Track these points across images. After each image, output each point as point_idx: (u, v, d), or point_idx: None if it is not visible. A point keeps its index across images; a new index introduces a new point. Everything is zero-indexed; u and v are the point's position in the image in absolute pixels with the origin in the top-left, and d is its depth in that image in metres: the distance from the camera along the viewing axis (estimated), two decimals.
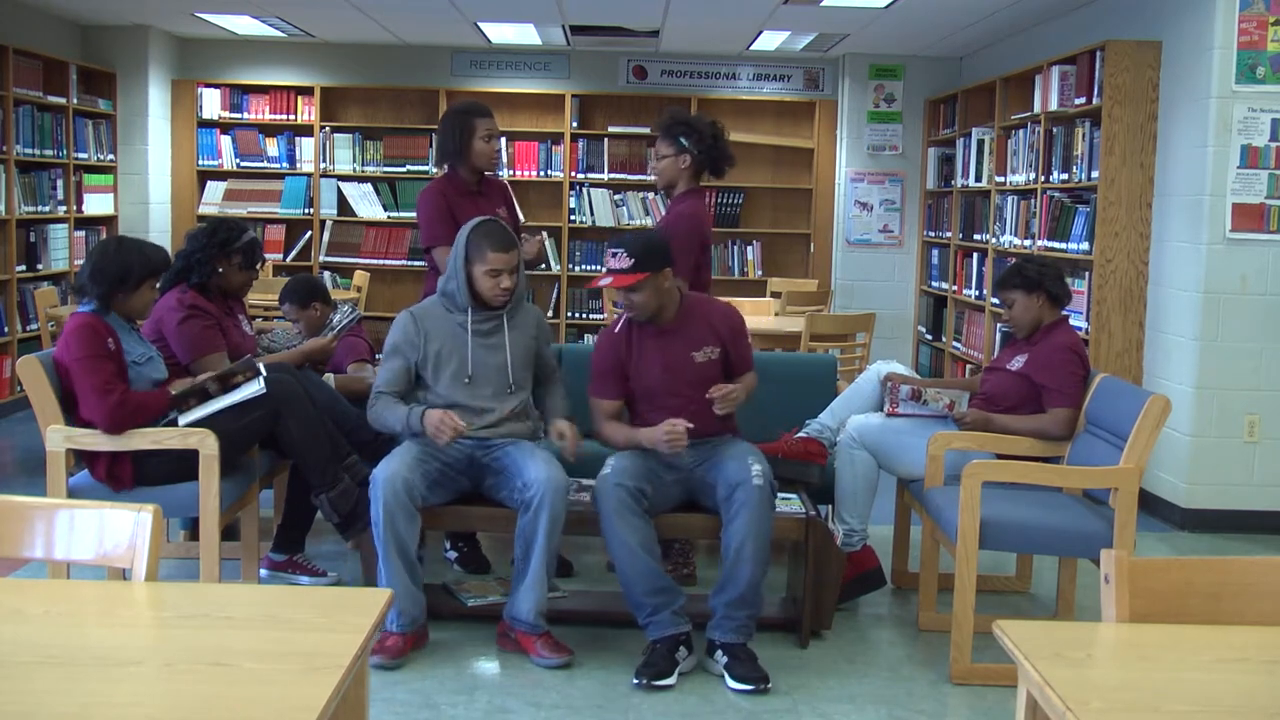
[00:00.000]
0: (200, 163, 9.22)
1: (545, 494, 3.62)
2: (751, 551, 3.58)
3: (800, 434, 4.36)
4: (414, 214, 6.25)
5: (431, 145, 8.74)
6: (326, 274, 8.86)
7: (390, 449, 3.82)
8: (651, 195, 9.08)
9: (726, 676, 3.58)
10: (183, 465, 3.78)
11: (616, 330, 3.91)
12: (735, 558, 3.60)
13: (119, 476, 3.78)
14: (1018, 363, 4.24)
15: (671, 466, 3.79)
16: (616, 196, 9.24)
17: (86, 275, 3.80)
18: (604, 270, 3.75)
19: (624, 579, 3.65)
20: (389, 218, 9.23)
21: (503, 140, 8.94)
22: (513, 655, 3.75)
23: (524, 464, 3.74)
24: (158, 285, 4.05)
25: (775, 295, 8.23)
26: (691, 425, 3.65)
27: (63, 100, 7.96)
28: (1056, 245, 6.27)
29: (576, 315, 9.31)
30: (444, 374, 3.85)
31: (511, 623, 3.75)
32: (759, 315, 7.03)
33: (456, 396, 3.84)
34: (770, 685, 3.54)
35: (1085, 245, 5.96)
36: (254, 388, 3.92)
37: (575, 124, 9.16)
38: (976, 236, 7.76)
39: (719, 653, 3.63)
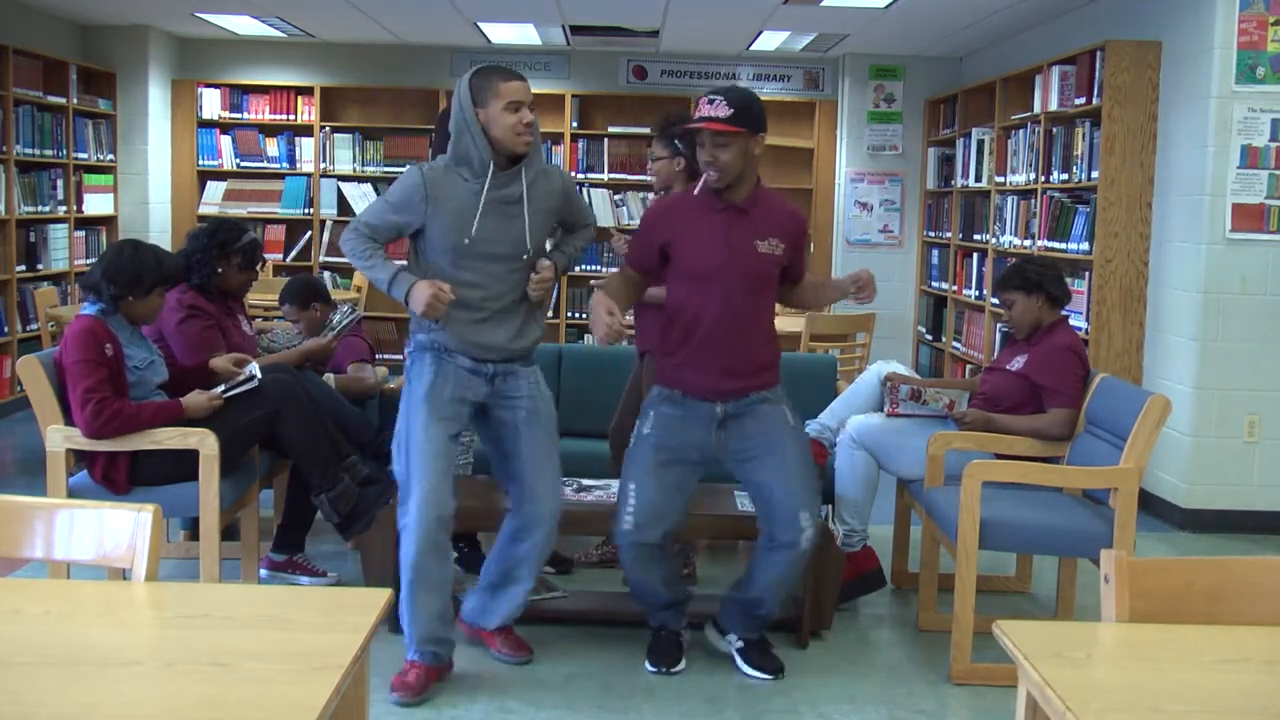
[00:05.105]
0: (200, 163, 9.22)
1: (549, 531, 3.56)
2: (779, 591, 3.60)
3: None
4: None
5: (431, 145, 8.74)
6: (326, 274, 8.86)
7: (388, 451, 3.76)
8: (651, 196, 9.07)
9: (739, 659, 3.69)
10: (181, 465, 3.79)
11: (678, 197, 3.69)
12: (763, 590, 3.57)
13: (114, 479, 3.78)
14: (1017, 363, 4.24)
15: (700, 462, 3.58)
16: (616, 196, 9.24)
17: (99, 274, 3.81)
18: (697, 117, 3.47)
19: (639, 599, 3.72)
20: None
21: None
22: (514, 655, 3.76)
23: (531, 473, 3.52)
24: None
25: None
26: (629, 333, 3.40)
27: (63, 100, 7.95)
28: (1056, 245, 6.27)
29: (576, 315, 9.31)
30: (447, 242, 3.39)
31: (474, 623, 3.75)
32: None
33: (457, 270, 3.41)
34: (784, 675, 3.65)
35: (1085, 245, 5.96)
36: (246, 374, 3.98)
37: (575, 124, 9.16)
38: (976, 236, 7.76)
39: (732, 635, 3.73)
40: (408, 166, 3.52)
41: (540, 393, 3.59)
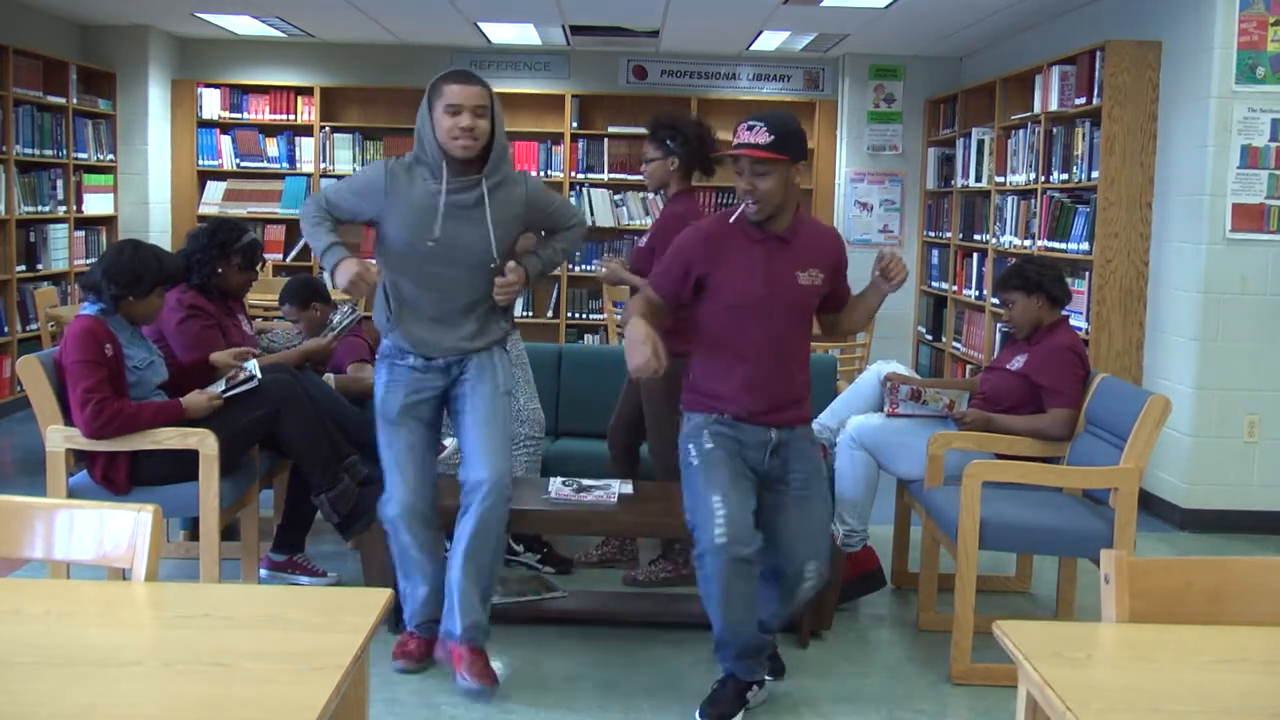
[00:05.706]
0: (200, 163, 9.22)
1: (490, 496, 3.37)
2: (780, 617, 3.44)
3: None
4: None
5: None
6: (326, 274, 8.84)
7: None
8: (651, 195, 9.08)
9: None
10: (181, 465, 3.79)
11: (715, 225, 3.36)
12: (766, 617, 3.38)
13: (114, 480, 3.78)
14: (1017, 363, 4.24)
15: (757, 483, 3.33)
16: (616, 196, 9.24)
17: (99, 274, 3.81)
18: (735, 144, 3.22)
19: (719, 635, 3.29)
20: None
21: None
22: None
23: (471, 438, 3.44)
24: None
25: None
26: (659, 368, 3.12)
27: (63, 100, 7.96)
28: (1056, 245, 6.27)
29: (576, 315, 9.31)
30: (403, 239, 3.41)
31: (445, 635, 3.54)
32: None
33: (414, 270, 3.44)
34: (784, 675, 3.60)
35: (1085, 245, 5.96)
36: (246, 374, 3.99)
37: (575, 124, 9.16)
38: (976, 236, 7.76)
39: None
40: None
41: (490, 361, 3.53)
